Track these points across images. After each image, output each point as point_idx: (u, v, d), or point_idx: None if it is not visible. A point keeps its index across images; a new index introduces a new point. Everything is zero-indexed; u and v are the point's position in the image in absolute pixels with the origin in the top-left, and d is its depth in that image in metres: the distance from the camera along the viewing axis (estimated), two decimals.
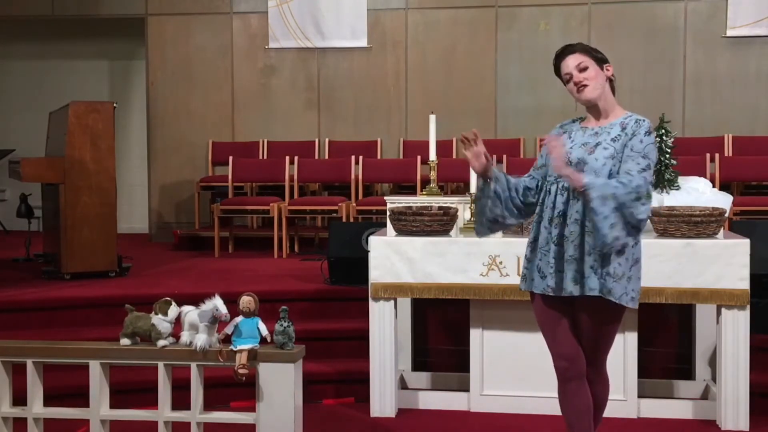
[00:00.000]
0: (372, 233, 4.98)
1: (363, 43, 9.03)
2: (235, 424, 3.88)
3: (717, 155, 7.66)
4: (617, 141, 3.26)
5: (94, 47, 10.26)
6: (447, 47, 8.95)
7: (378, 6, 9.00)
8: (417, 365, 5.19)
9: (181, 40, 9.26)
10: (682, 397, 4.88)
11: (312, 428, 4.20)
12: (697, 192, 4.89)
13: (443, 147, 8.06)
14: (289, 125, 9.12)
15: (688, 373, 4.98)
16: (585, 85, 3.31)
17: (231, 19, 9.23)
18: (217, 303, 3.61)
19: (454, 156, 8.54)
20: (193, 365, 3.68)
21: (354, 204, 7.68)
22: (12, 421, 3.84)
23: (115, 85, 10.37)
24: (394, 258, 4.61)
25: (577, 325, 3.36)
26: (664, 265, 4.38)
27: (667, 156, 4.90)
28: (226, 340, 3.68)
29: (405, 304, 5.07)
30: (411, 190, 8.17)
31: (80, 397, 4.02)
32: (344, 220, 7.50)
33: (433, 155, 5.19)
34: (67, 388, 4.54)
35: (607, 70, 3.37)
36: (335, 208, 7.63)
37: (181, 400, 3.78)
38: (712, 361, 4.83)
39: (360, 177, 8.13)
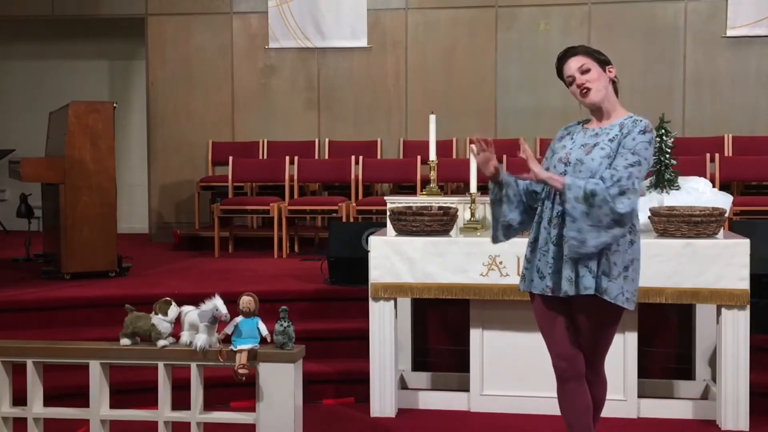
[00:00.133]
0: (372, 233, 4.98)
1: (363, 43, 9.03)
2: (235, 424, 3.88)
3: (717, 155, 7.66)
4: (614, 141, 3.26)
5: (94, 47, 10.26)
6: (447, 47, 8.95)
7: (378, 6, 9.00)
8: (417, 365, 5.19)
9: (181, 40, 9.26)
10: (682, 397, 4.88)
11: (312, 428, 4.20)
12: (697, 192, 4.89)
13: (443, 147, 8.06)
14: (289, 125, 9.12)
15: (688, 373, 4.98)
16: (588, 89, 3.31)
17: (231, 19, 9.23)
18: (217, 303, 3.61)
19: (454, 156, 8.55)
20: (193, 365, 3.68)
21: (354, 204, 7.68)
22: (12, 421, 3.84)
23: (115, 85, 10.37)
24: (394, 258, 4.61)
25: (575, 326, 3.36)
26: (664, 265, 4.38)
27: (667, 156, 4.91)
28: (226, 340, 3.68)
29: (405, 304, 5.07)
30: (411, 190, 8.17)
31: (80, 397, 4.02)
32: (344, 220, 7.50)
33: (433, 155, 5.19)
34: (67, 388, 4.54)
35: (610, 71, 3.37)
36: (335, 208, 7.63)
37: (181, 400, 3.78)
38: (712, 361, 4.83)
39: (360, 177, 8.13)
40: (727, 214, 4.65)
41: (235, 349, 3.59)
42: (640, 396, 4.68)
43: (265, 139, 9.04)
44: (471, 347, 4.80)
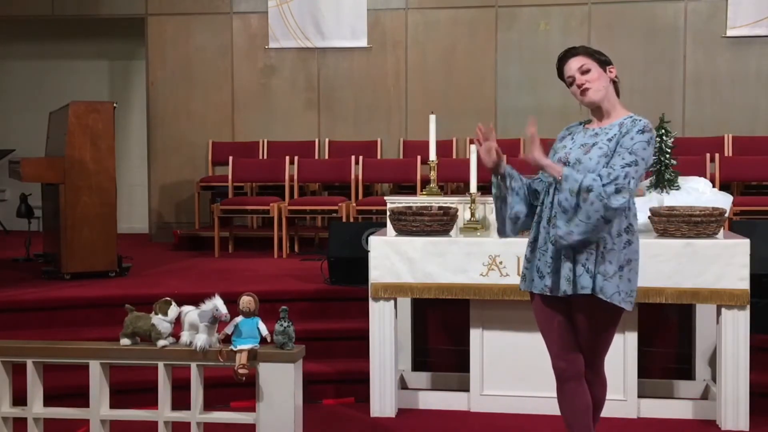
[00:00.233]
0: (372, 233, 4.98)
1: (363, 43, 9.03)
2: (235, 424, 3.88)
3: (717, 155, 7.66)
4: (613, 140, 3.26)
5: (94, 47, 10.26)
6: (447, 47, 8.95)
7: (378, 6, 9.00)
8: (417, 365, 5.19)
9: (181, 40, 9.26)
10: (682, 397, 4.88)
11: (312, 428, 4.20)
12: (697, 192, 4.89)
13: (443, 147, 8.06)
14: (289, 125, 9.12)
15: (688, 373, 4.98)
16: (587, 88, 3.31)
17: (231, 19, 9.23)
18: (217, 303, 3.60)
19: (454, 156, 8.55)
20: (193, 365, 3.68)
21: (354, 204, 7.68)
22: (12, 421, 3.84)
23: (115, 85, 10.37)
24: (394, 258, 4.61)
25: (574, 326, 3.36)
26: (664, 265, 4.38)
27: (667, 156, 4.91)
28: (226, 340, 3.67)
29: (405, 304, 5.07)
30: (411, 190, 8.17)
31: (80, 397, 4.01)
32: (344, 220, 7.50)
33: (433, 155, 5.19)
34: (67, 388, 4.54)
35: (610, 72, 3.37)
36: (335, 208, 7.63)
37: (181, 400, 3.78)
38: (712, 361, 4.83)
39: (360, 177, 8.13)
40: (727, 214, 4.65)
41: (235, 349, 3.59)
42: (640, 396, 4.68)
43: (265, 139, 9.04)
44: (471, 347, 4.80)
